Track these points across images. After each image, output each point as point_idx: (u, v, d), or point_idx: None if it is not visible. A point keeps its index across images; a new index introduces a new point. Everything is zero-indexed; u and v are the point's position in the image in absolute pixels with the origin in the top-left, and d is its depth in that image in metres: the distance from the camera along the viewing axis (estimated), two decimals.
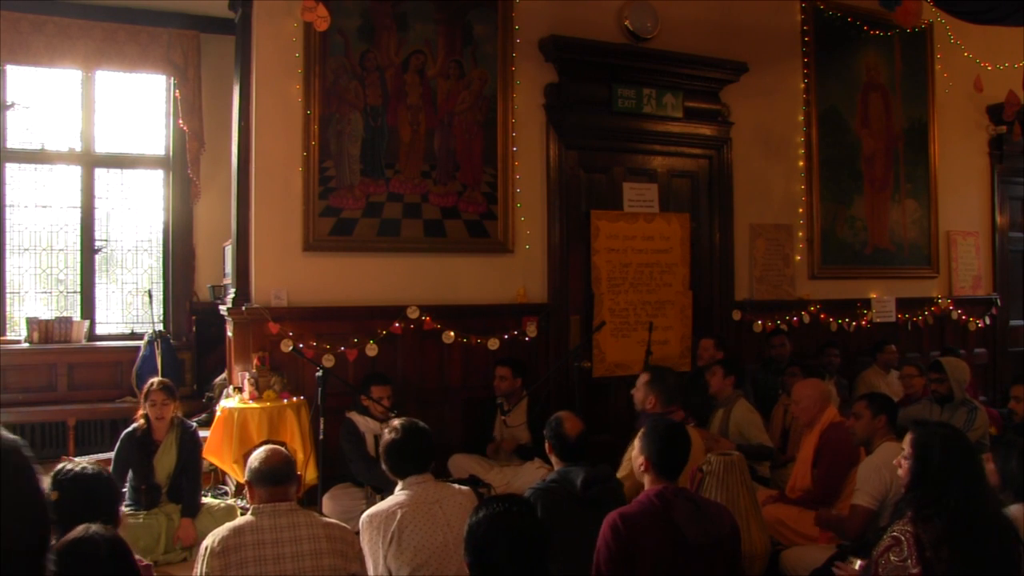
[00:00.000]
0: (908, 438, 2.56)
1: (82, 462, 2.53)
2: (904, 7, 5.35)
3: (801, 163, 6.83)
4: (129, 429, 4.39)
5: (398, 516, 2.78)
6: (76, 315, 6.68)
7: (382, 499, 3.18)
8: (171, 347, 6.38)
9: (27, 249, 6.67)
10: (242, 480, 4.60)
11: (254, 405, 4.74)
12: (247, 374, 4.88)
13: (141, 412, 4.40)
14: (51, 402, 6.26)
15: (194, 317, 6.87)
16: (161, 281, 7.02)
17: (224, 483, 5.19)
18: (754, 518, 3.41)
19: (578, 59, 5.84)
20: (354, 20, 5.27)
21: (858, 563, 2.74)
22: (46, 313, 6.63)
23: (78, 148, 6.77)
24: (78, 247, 6.78)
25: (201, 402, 6.38)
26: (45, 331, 6.34)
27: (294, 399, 4.86)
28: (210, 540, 2.49)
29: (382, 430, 4.69)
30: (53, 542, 0.96)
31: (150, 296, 6.43)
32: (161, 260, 7.04)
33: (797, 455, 4.36)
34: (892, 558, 2.33)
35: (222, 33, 6.46)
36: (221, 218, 6.42)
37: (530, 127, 5.77)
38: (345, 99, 5.24)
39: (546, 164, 5.81)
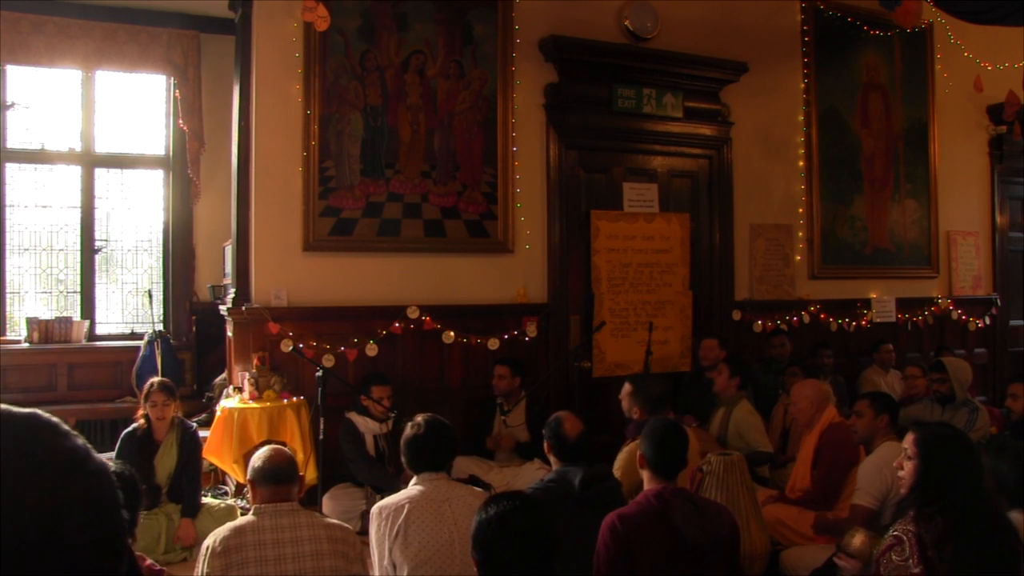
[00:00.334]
0: (910, 438, 2.56)
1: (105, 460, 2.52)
2: (904, 7, 5.34)
3: (801, 163, 6.83)
4: (129, 429, 4.39)
5: (406, 510, 2.79)
6: (76, 315, 6.67)
7: (382, 499, 3.19)
8: (171, 347, 6.38)
9: (27, 249, 6.66)
10: (242, 480, 4.61)
11: (254, 405, 4.74)
12: (247, 374, 4.88)
13: (141, 412, 4.39)
14: (51, 402, 6.25)
15: (194, 317, 6.86)
16: (161, 281, 7.02)
17: (224, 483, 5.19)
18: (754, 518, 3.41)
19: (578, 59, 5.84)
20: (354, 20, 5.26)
21: (857, 536, 2.70)
22: (46, 313, 6.62)
23: (78, 148, 6.77)
24: (78, 247, 6.77)
25: (201, 402, 6.38)
26: (45, 331, 6.33)
27: (294, 399, 4.86)
28: (211, 540, 2.49)
29: (382, 430, 4.73)
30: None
31: (150, 296, 6.43)
32: (161, 260, 7.04)
33: (797, 455, 4.36)
34: (894, 557, 2.33)
35: (222, 33, 6.46)
36: (221, 218, 6.42)
37: (530, 127, 5.77)
38: (345, 99, 5.24)
39: (546, 164, 5.81)
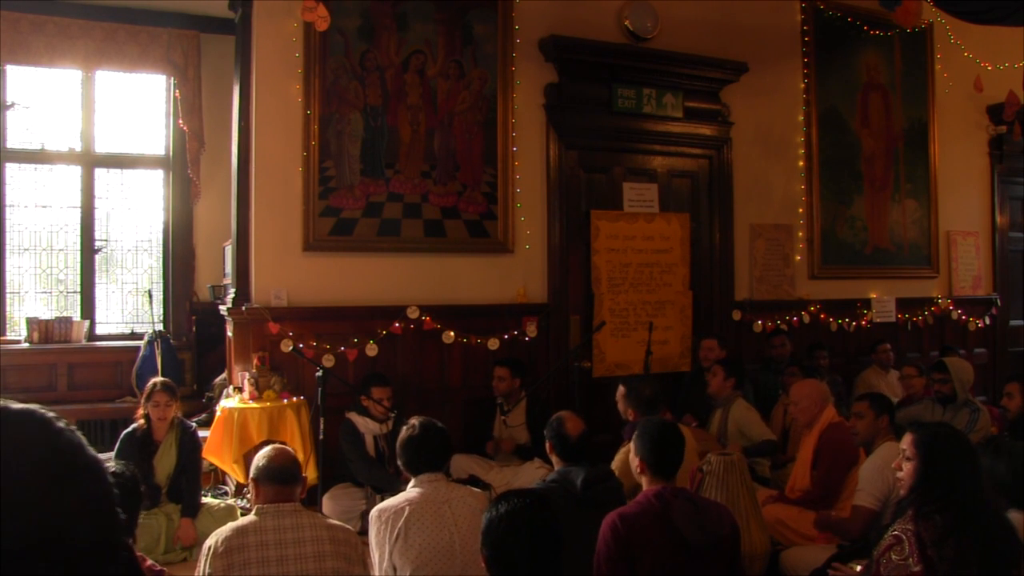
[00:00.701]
0: (909, 439, 2.56)
1: (107, 461, 2.52)
2: (904, 7, 5.34)
3: (801, 163, 6.83)
4: (129, 429, 4.39)
5: (406, 513, 2.78)
6: (76, 315, 6.67)
7: (382, 500, 3.18)
8: (171, 347, 6.37)
9: (27, 249, 6.66)
10: (242, 480, 4.61)
11: (254, 405, 4.74)
12: (247, 374, 4.88)
13: (141, 412, 4.39)
14: (51, 402, 6.24)
15: (194, 317, 6.87)
16: (161, 281, 7.02)
17: (224, 483, 5.19)
18: (754, 518, 3.41)
19: (578, 59, 5.84)
20: (354, 20, 5.26)
21: (859, 567, 2.74)
22: (46, 313, 6.62)
23: (78, 148, 6.77)
24: (78, 247, 6.77)
25: (201, 402, 6.38)
26: (45, 331, 6.34)
27: (294, 399, 4.86)
28: (213, 540, 2.48)
29: (382, 431, 4.73)
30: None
31: (150, 296, 6.43)
32: (161, 260, 7.04)
33: (797, 455, 4.36)
34: (893, 557, 2.33)
35: (222, 33, 6.46)
36: (221, 218, 6.42)
37: (530, 127, 5.77)
38: (345, 99, 5.24)
39: (546, 164, 5.81)
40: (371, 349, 5.21)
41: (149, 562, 2.64)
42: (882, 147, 7.25)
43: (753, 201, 6.61)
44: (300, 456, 4.52)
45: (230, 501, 4.66)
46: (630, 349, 5.90)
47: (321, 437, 4.20)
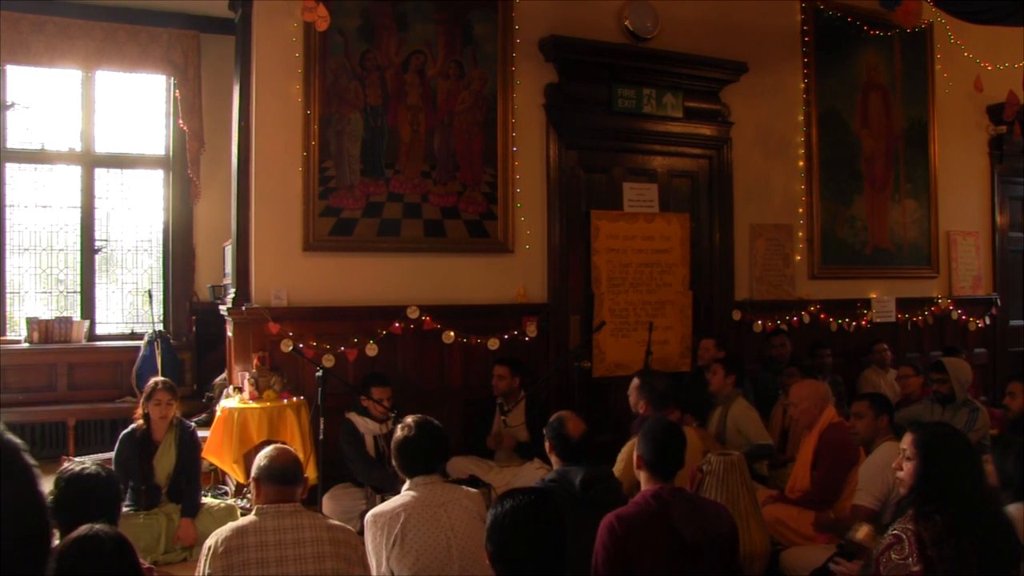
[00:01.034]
0: (908, 439, 2.56)
1: (86, 462, 2.54)
2: (904, 7, 5.34)
3: (801, 163, 6.83)
4: (128, 429, 4.39)
5: (402, 518, 2.74)
6: (76, 315, 6.68)
7: (382, 500, 3.17)
8: (171, 347, 6.38)
9: (27, 249, 6.67)
10: (242, 480, 4.62)
11: (254, 405, 4.74)
12: (247, 374, 4.88)
13: (140, 412, 4.39)
14: (51, 402, 6.26)
15: (194, 317, 6.87)
16: (161, 281, 7.03)
17: (224, 483, 5.19)
18: (754, 518, 3.41)
19: (578, 59, 5.84)
20: (354, 20, 5.27)
21: (862, 529, 2.74)
22: (46, 313, 6.63)
23: (78, 148, 6.77)
24: (78, 247, 6.78)
25: (201, 402, 6.38)
26: (45, 331, 6.34)
27: (294, 399, 4.86)
28: (213, 540, 2.48)
29: (381, 431, 4.73)
30: (56, 543, 0.97)
31: (150, 296, 6.44)
32: (161, 260, 7.04)
33: (796, 456, 4.36)
34: (893, 556, 2.33)
35: (222, 33, 6.46)
36: (221, 218, 6.42)
37: (530, 127, 5.77)
38: (345, 99, 5.24)
39: (546, 164, 5.81)
40: (371, 349, 5.21)
41: (147, 565, 2.64)
42: (882, 147, 7.25)
43: (753, 201, 6.61)
44: (300, 456, 4.54)
45: (230, 501, 4.66)
46: (630, 349, 5.90)
47: (321, 437, 4.20)
